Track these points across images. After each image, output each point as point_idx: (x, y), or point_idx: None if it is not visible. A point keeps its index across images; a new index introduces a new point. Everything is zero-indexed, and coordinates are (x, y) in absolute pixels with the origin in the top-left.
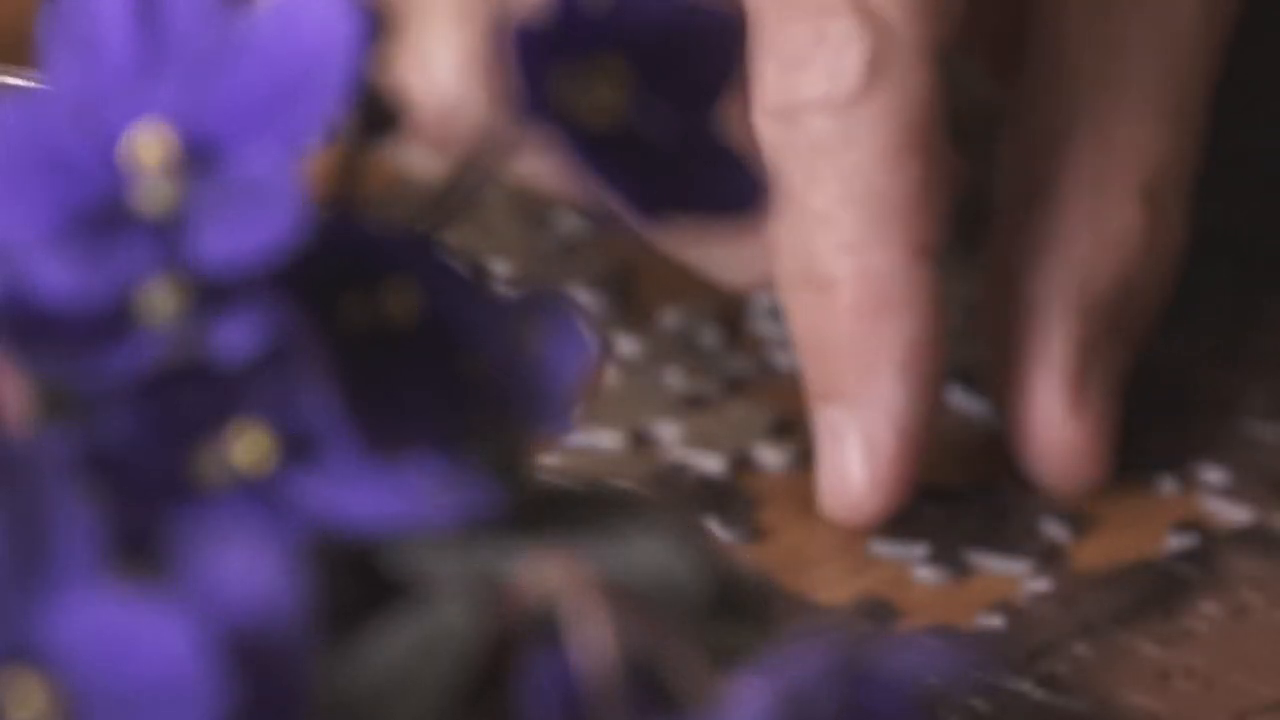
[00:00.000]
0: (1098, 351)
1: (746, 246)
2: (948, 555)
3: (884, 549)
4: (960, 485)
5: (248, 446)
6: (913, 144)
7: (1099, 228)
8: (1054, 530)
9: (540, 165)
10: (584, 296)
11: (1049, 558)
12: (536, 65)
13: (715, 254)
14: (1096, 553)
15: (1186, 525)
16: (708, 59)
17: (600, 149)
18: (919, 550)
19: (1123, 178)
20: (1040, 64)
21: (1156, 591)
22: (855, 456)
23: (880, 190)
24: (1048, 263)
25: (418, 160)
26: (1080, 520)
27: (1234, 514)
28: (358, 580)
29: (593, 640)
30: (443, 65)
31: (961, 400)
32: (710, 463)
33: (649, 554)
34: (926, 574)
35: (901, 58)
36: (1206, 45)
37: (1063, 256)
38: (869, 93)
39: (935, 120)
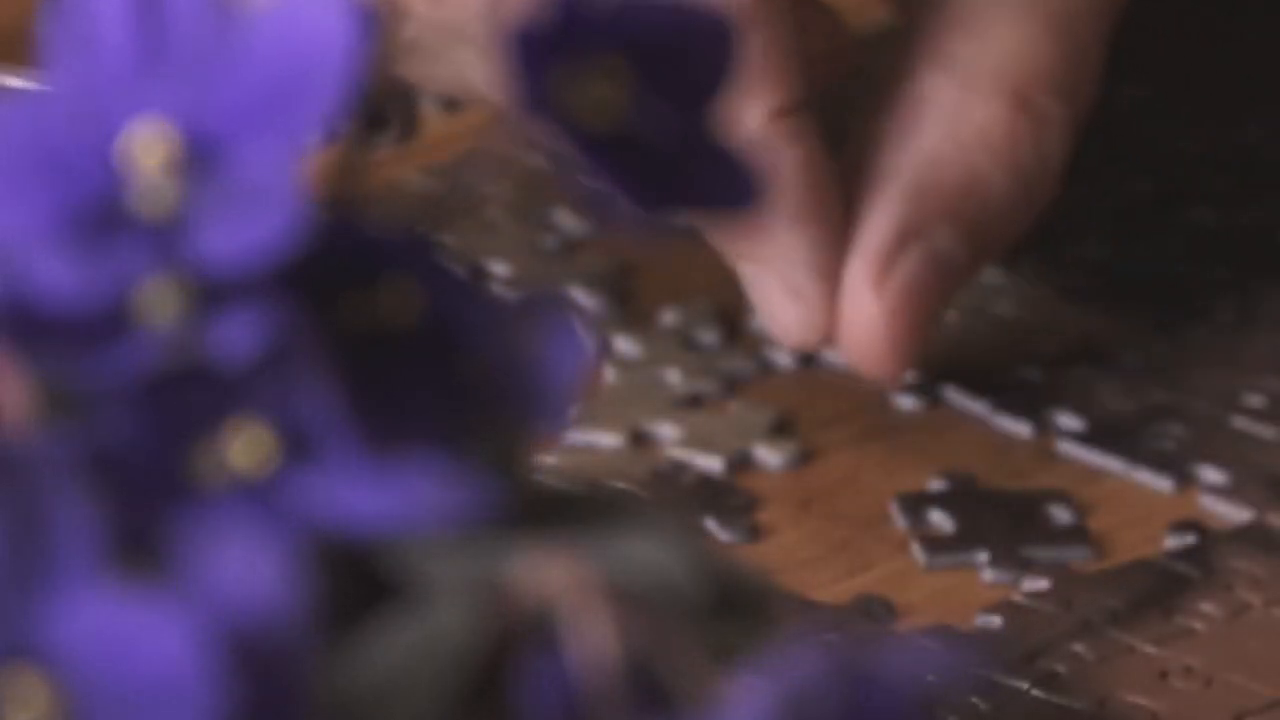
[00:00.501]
0: (923, 238)
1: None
2: (1007, 557)
3: (945, 560)
4: (962, 486)
5: (247, 446)
6: (745, 20)
7: (957, 119)
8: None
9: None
10: (584, 296)
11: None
12: (537, 65)
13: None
14: (1095, 552)
15: (1185, 525)
16: (706, 59)
17: (600, 148)
18: (981, 556)
19: (993, 78)
20: None
21: (1155, 591)
22: (784, 301)
23: None
24: (895, 146)
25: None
26: (1080, 506)
27: (1232, 513)
28: (357, 581)
29: (592, 641)
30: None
31: (958, 400)
32: (709, 462)
33: (647, 555)
34: (991, 576)
35: None
36: None
37: (912, 143)
38: None
39: None
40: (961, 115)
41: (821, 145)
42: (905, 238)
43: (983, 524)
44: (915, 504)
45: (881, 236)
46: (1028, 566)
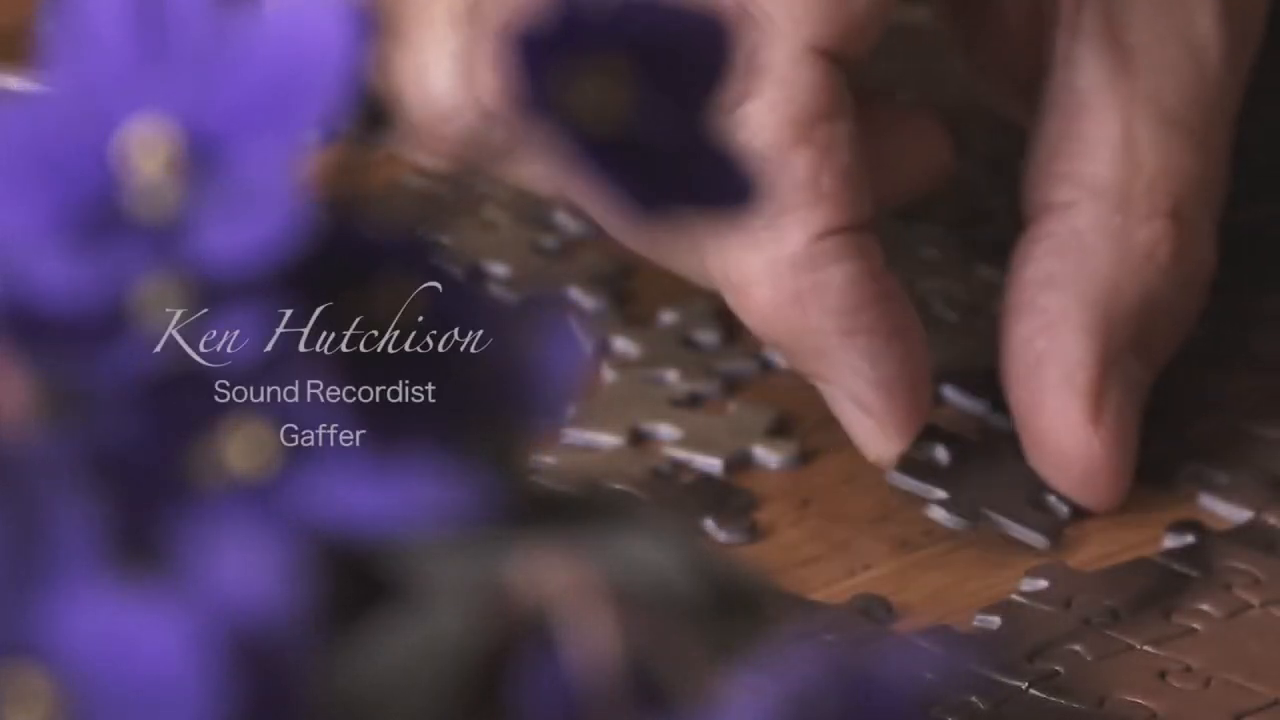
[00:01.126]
0: (1119, 366)
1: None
2: (965, 506)
3: (902, 481)
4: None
5: (247, 446)
6: (797, 139)
7: (1125, 243)
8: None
9: (539, 167)
10: (583, 297)
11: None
12: (537, 66)
13: (681, 256)
14: (1094, 552)
15: (1184, 524)
16: (704, 60)
17: (600, 149)
18: (938, 493)
19: (1150, 195)
20: (1059, 79)
21: (1154, 591)
22: (856, 416)
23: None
24: (1070, 276)
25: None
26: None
27: (1232, 513)
28: (357, 582)
29: (591, 641)
30: (439, 73)
31: (958, 399)
32: (709, 462)
33: (646, 555)
34: (942, 516)
35: (781, 59)
36: (1230, 63)
37: (1087, 270)
38: (748, 94)
39: (823, 118)
40: (1127, 241)
41: (877, 260)
42: (1108, 373)
43: (970, 476)
44: (930, 439)
45: (1089, 374)
46: (979, 520)
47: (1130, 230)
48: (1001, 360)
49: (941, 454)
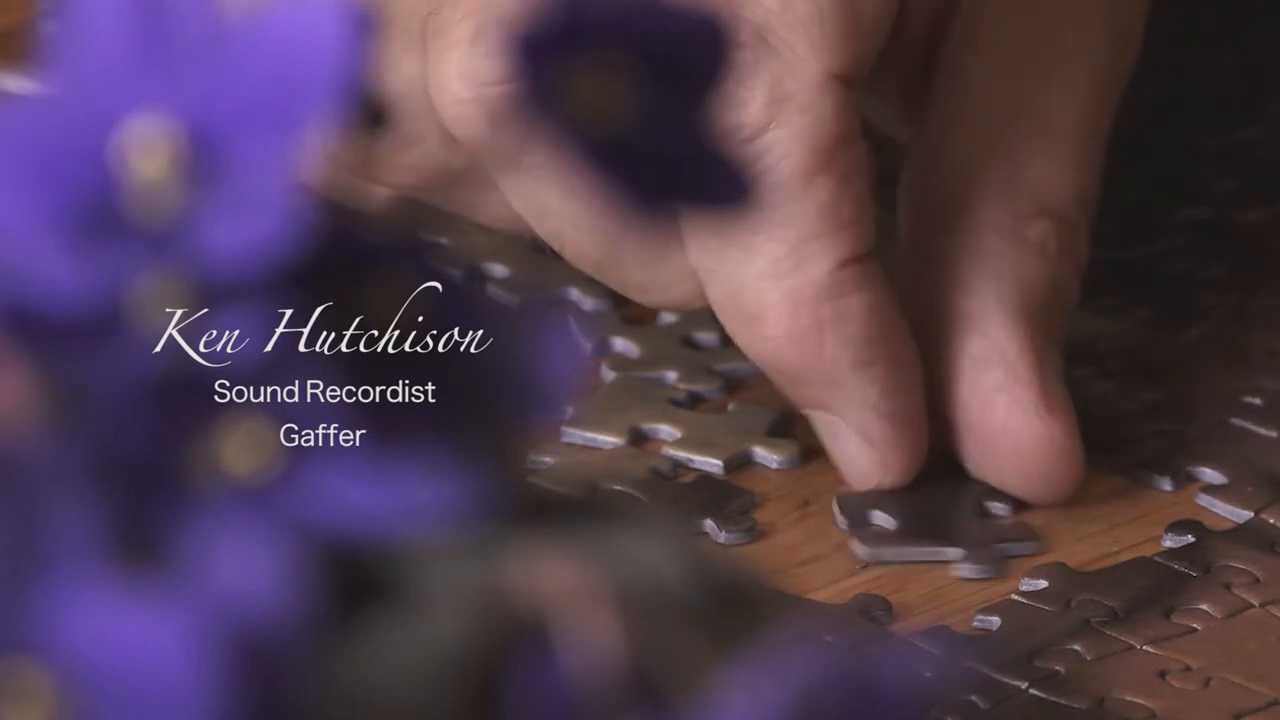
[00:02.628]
0: (1049, 354)
1: (664, 270)
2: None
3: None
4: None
5: (247, 446)
6: (820, 167)
7: (1019, 241)
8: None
9: (503, 207)
10: (583, 297)
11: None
12: (537, 66)
13: (634, 276)
14: (1094, 551)
15: (1184, 524)
16: (704, 60)
17: (599, 149)
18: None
19: (1033, 204)
20: (953, 96)
21: (1154, 590)
22: (857, 449)
23: (793, 215)
24: (977, 278)
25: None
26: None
27: (1231, 513)
28: (356, 583)
29: (590, 643)
30: (464, 81)
31: None
32: (709, 462)
33: (644, 556)
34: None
35: (803, 87)
36: (1116, 83)
37: (993, 270)
38: (771, 122)
39: (842, 144)
40: (1018, 235)
41: (889, 291)
42: (1044, 361)
43: (923, 521)
44: (858, 506)
45: (1030, 366)
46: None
47: (1019, 229)
48: (935, 375)
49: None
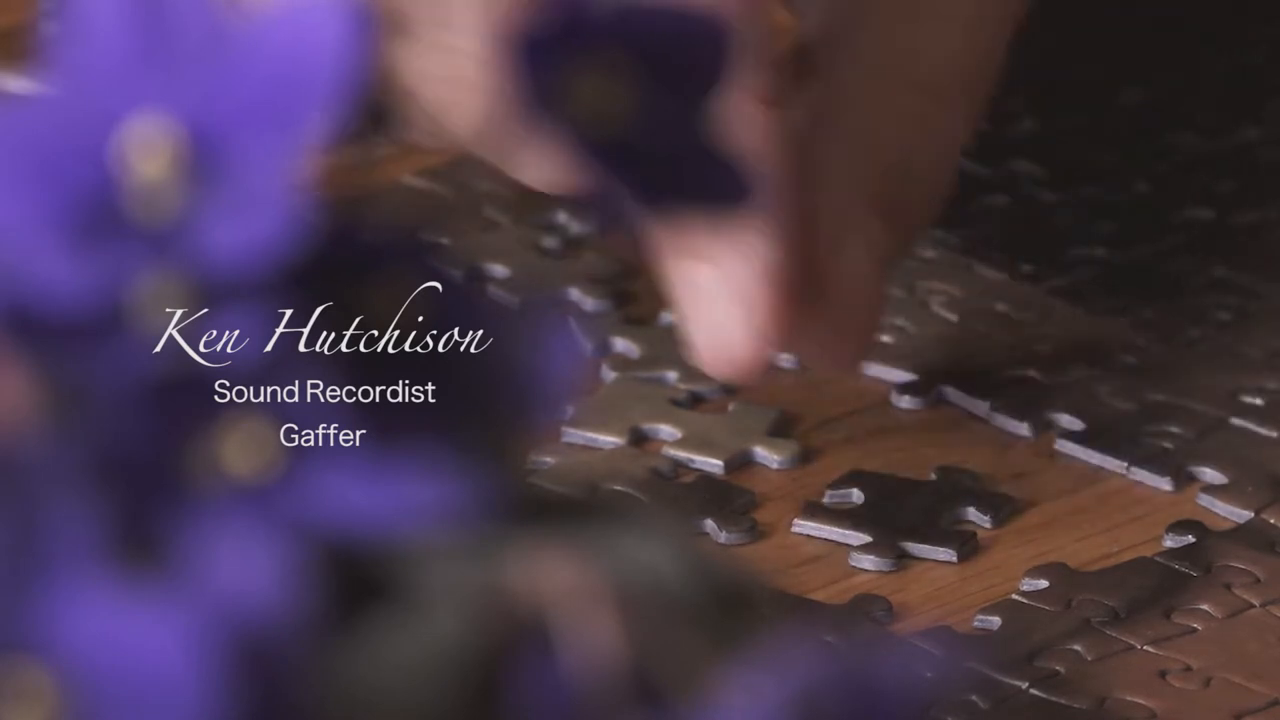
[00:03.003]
0: (858, 230)
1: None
2: (885, 546)
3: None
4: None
5: (247, 446)
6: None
7: (878, 112)
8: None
9: (541, 167)
10: (584, 297)
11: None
12: (537, 66)
13: (512, 152)
14: (1095, 551)
15: (1184, 524)
16: (704, 60)
17: (600, 149)
18: (855, 538)
19: (902, 72)
20: None
21: (1154, 591)
22: (730, 312)
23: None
24: (829, 137)
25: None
26: (1001, 506)
27: (1231, 513)
28: (356, 583)
29: (590, 643)
30: (450, 64)
31: (958, 399)
32: (709, 462)
33: (644, 557)
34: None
35: None
36: (990, 41)
37: (842, 133)
38: None
39: None
40: (880, 106)
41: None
42: (846, 229)
43: (881, 510)
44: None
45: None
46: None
47: (883, 101)
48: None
49: (857, 496)
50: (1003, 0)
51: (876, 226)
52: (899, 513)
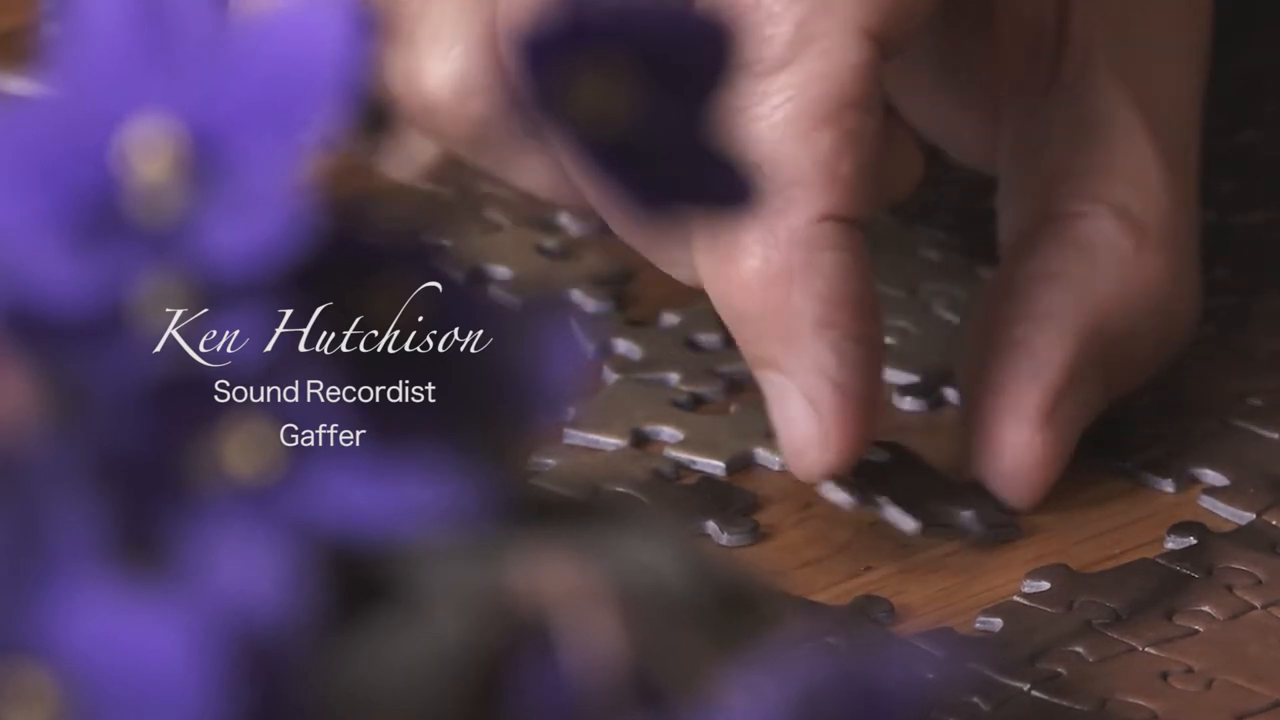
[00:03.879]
0: (1085, 381)
1: (530, 158)
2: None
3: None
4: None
5: (248, 447)
6: (825, 115)
7: (1132, 268)
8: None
9: (539, 175)
10: (585, 298)
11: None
12: (538, 66)
13: (502, 160)
14: (1096, 553)
15: (1185, 526)
16: (705, 60)
17: (601, 149)
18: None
19: (1162, 232)
20: (1072, 103)
21: (1156, 592)
22: (801, 416)
23: (787, 158)
24: (1072, 279)
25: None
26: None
27: (1233, 515)
28: (357, 584)
29: (592, 644)
30: (447, 65)
31: (958, 400)
32: (711, 464)
33: (646, 558)
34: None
35: (830, 32)
36: (1195, 118)
37: (1090, 279)
38: (790, 61)
39: (855, 98)
40: (1134, 270)
41: (865, 263)
42: (1073, 379)
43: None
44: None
45: (1058, 375)
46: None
47: (1140, 258)
48: (970, 332)
49: (882, 455)
50: (1197, 143)
51: (1096, 380)
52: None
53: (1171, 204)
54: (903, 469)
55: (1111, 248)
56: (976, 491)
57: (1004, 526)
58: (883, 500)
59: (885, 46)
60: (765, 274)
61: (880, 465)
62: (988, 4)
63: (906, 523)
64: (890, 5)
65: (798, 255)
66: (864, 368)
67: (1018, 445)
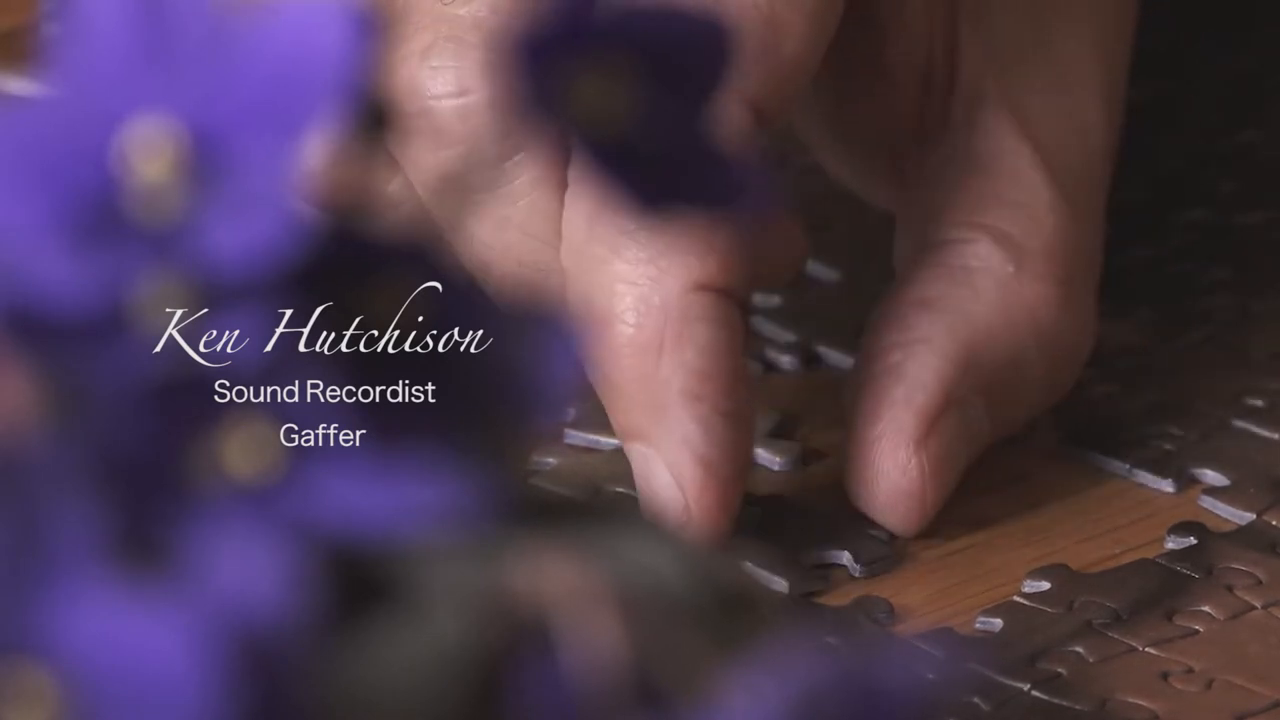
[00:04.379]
0: (965, 406)
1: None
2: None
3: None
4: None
5: (248, 448)
6: None
7: (1011, 294)
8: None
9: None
10: None
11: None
12: (538, 67)
13: (483, 233)
14: (1096, 554)
15: (1186, 526)
16: (704, 60)
17: (601, 150)
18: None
19: (1047, 259)
20: (961, 139)
21: (1156, 592)
22: (666, 490)
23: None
24: (947, 305)
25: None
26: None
27: (1233, 515)
28: (358, 585)
29: (592, 644)
30: (440, 73)
31: None
32: None
33: (646, 559)
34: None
35: None
36: (1107, 149)
37: (966, 305)
38: None
39: None
40: (1014, 293)
41: (739, 335)
42: (949, 404)
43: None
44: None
45: (930, 398)
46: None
47: (1021, 285)
48: (853, 367)
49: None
50: (1106, 179)
51: (978, 407)
52: None
53: (1059, 230)
54: (777, 522)
55: (990, 272)
56: (856, 529)
57: (882, 560)
58: (750, 565)
59: (761, 116)
60: (636, 342)
61: (755, 522)
62: (878, 52)
63: (777, 583)
64: (766, 76)
65: (670, 325)
66: (730, 443)
67: (892, 471)
